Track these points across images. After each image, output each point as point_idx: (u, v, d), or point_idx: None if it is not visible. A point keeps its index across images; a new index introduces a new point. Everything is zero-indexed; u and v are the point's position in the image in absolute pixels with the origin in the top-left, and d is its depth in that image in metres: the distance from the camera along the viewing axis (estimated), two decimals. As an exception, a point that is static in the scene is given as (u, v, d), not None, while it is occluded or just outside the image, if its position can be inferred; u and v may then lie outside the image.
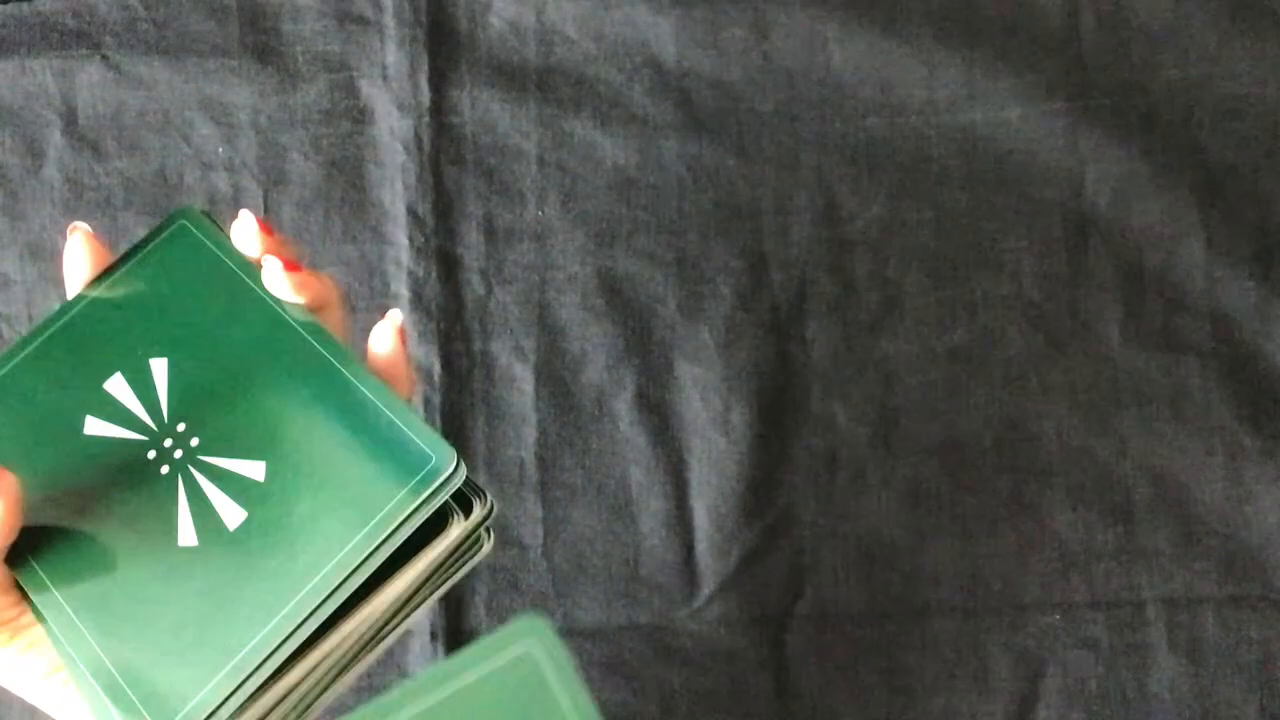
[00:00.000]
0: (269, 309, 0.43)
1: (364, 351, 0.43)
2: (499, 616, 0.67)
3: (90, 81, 0.69)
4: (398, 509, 0.39)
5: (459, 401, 0.68)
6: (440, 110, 0.69)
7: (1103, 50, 0.69)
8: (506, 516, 0.67)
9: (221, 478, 0.41)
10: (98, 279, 0.45)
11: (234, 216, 0.68)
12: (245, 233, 0.44)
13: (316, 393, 0.41)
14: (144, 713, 0.37)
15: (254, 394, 0.42)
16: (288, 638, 0.38)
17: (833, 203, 0.69)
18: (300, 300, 0.43)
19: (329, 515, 0.39)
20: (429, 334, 0.68)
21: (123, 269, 0.45)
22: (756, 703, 0.66)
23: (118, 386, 0.43)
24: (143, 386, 0.43)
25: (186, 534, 0.40)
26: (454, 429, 0.67)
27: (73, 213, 0.68)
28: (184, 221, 0.46)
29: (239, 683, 0.38)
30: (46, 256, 0.68)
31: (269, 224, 0.45)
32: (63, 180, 0.69)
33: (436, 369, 0.67)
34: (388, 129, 0.69)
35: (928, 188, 0.69)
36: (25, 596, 0.41)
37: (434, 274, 0.68)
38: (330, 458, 0.40)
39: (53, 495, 0.41)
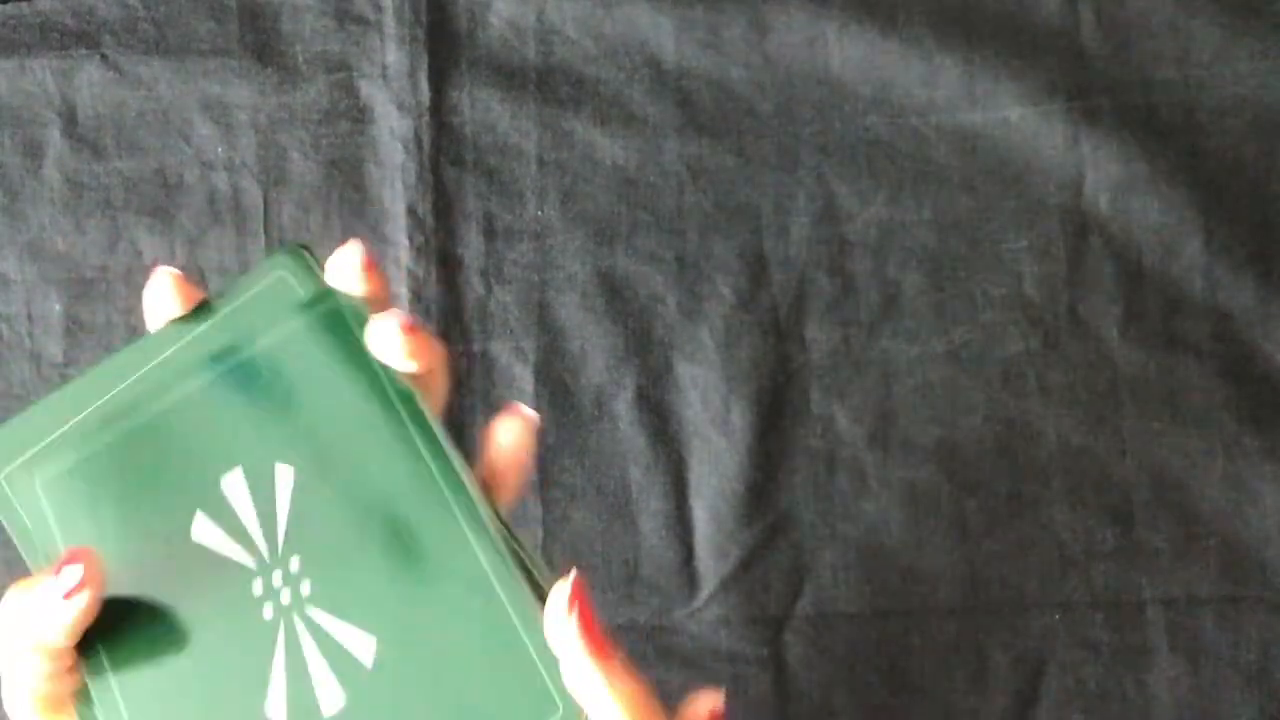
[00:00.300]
0: (395, 418, 0.37)
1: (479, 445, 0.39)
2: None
3: (90, 81, 0.69)
4: None
5: (458, 402, 0.68)
6: (440, 110, 0.69)
7: (1103, 50, 0.69)
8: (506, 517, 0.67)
9: (326, 643, 0.35)
10: (194, 314, 0.39)
11: (237, 218, 0.68)
12: (347, 267, 0.38)
13: (446, 571, 0.35)
14: None
15: (375, 546, 0.36)
16: None
17: (832, 203, 0.69)
18: (413, 369, 0.38)
19: None
20: (429, 334, 0.68)
21: (224, 323, 0.39)
22: (756, 703, 0.66)
23: (236, 487, 0.37)
24: (263, 495, 0.37)
25: (276, 706, 0.35)
26: (454, 429, 0.67)
27: (72, 213, 0.68)
28: (283, 273, 0.39)
29: None
30: (46, 256, 0.68)
31: (375, 261, 0.39)
32: (62, 180, 0.69)
33: (436, 369, 0.67)
34: (387, 129, 0.69)
35: (928, 188, 0.69)
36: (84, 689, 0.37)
37: (434, 274, 0.68)
38: (448, 661, 0.35)
39: (147, 594, 0.36)
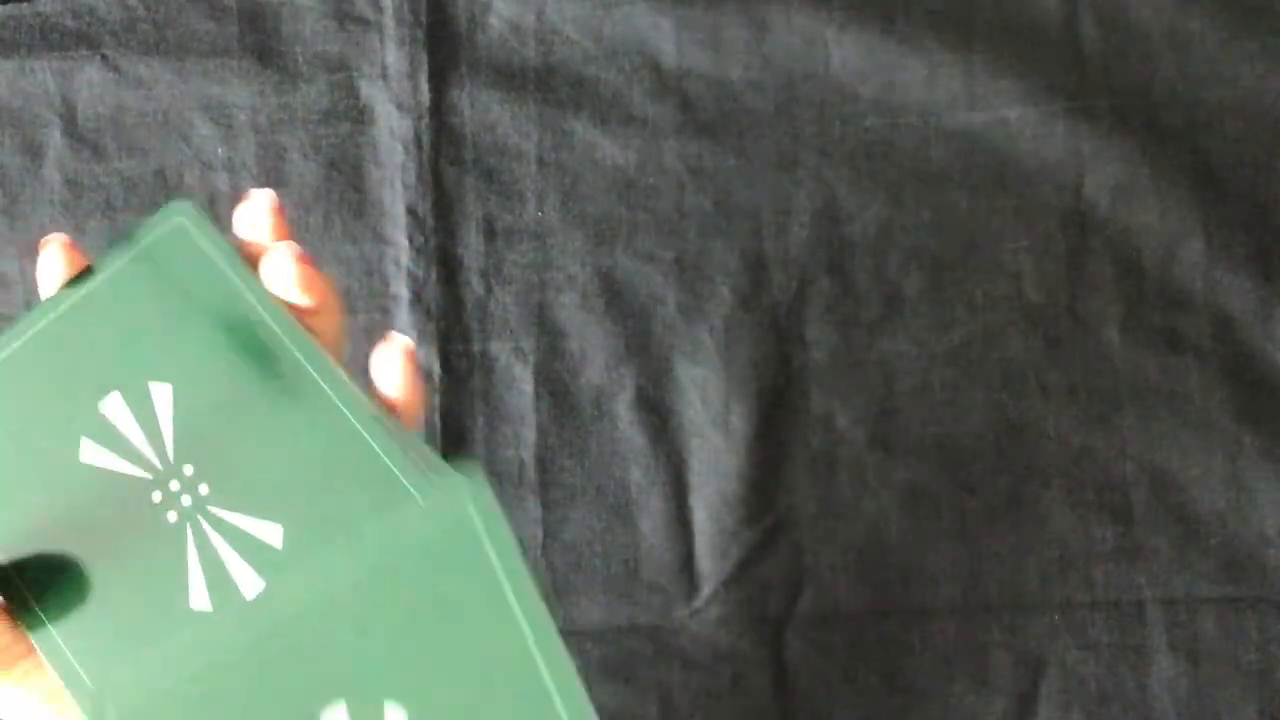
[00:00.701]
0: (275, 336, 0.38)
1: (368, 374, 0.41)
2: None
3: (90, 82, 0.69)
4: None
5: (458, 402, 0.68)
6: (440, 110, 0.69)
7: (1103, 50, 0.69)
8: (506, 517, 0.67)
9: (235, 537, 0.36)
10: (81, 276, 0.41)
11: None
12: (256, 215, 0.40)
13: (330, 451, 0.37)
14: None
15: (264, 444, 0.37)
16: None
17: (832, 203, 0.69)
18: (304, 301, 0.40)
19: None
20: (428, 334, 0.68)
21: (112, 269, 0.41)
22: (756, 703, 0.66)
23: (116, 409, 0.38)
24: (144, 413, 0.38)
25: (199, 597, 0.36)
26: (453, 430, 0.67)
27: (72, 213, 0.68)
28: (181, 219, 0.41)
29: None
30: (46, 257, 0.68)
31: (283, 209, 0.41)
32: (62, 180, 0.69)
33: (436, 369, 0.67)
34: (387, 129, 0.69)
35: (928, 188, 0.69)
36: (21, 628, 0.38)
37: (433, 274, 0.68)
38: (342, 519, 0.36)
39: (47, 524, 0.37)
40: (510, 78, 0.69)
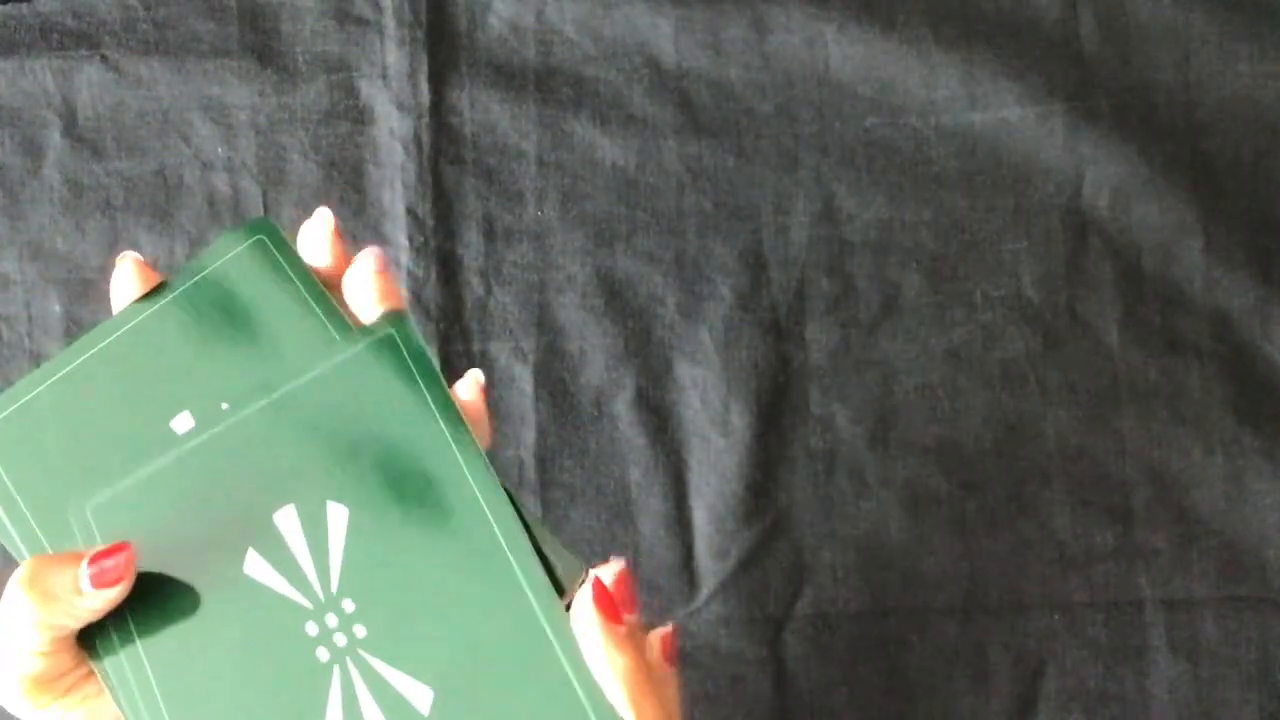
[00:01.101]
0: (448, 454, 0.37)
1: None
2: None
3: (90, 82, 0.69)
4: None
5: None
6: (440, 110, 0.69)
7: (1103, 50, 0.69)
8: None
9: (382, 692, 0.35)
10: (152, 293, 0.39)
11: (237, 218, 0.68)
12: (318, 238, 0.39)
13: (500, 620, 0.35)
14: None
15: (430, 592, 0.36)
16: None
17: (832, 203, 0.69)
18: (381, 309, 0.38)
19: None
20: (429, 335, 0.68)
21: (182, 286, 0.39)
22: (756, 703, 0.66)
23: (289, 524, 0.37)
24: (316, 536, 0.36)
25: None
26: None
27: (72, 213, 0.68)
28: (260, 236, 0.40)
29: None
30: (46, 257, 0.68)
31: (340, 231, 0.40)
32: (62, 180, 0.69)
33: (436, 369, 0.67)
34: (387, 129, 0.69)
35: (927, 188, 0.69)
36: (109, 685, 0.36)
37: (433, 274, 0.68)
38: (502, 713, 0.34)
39: (195, 628, 0.36)
40: (510, 78, 0.69)
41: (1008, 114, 0.69)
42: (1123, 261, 0.68)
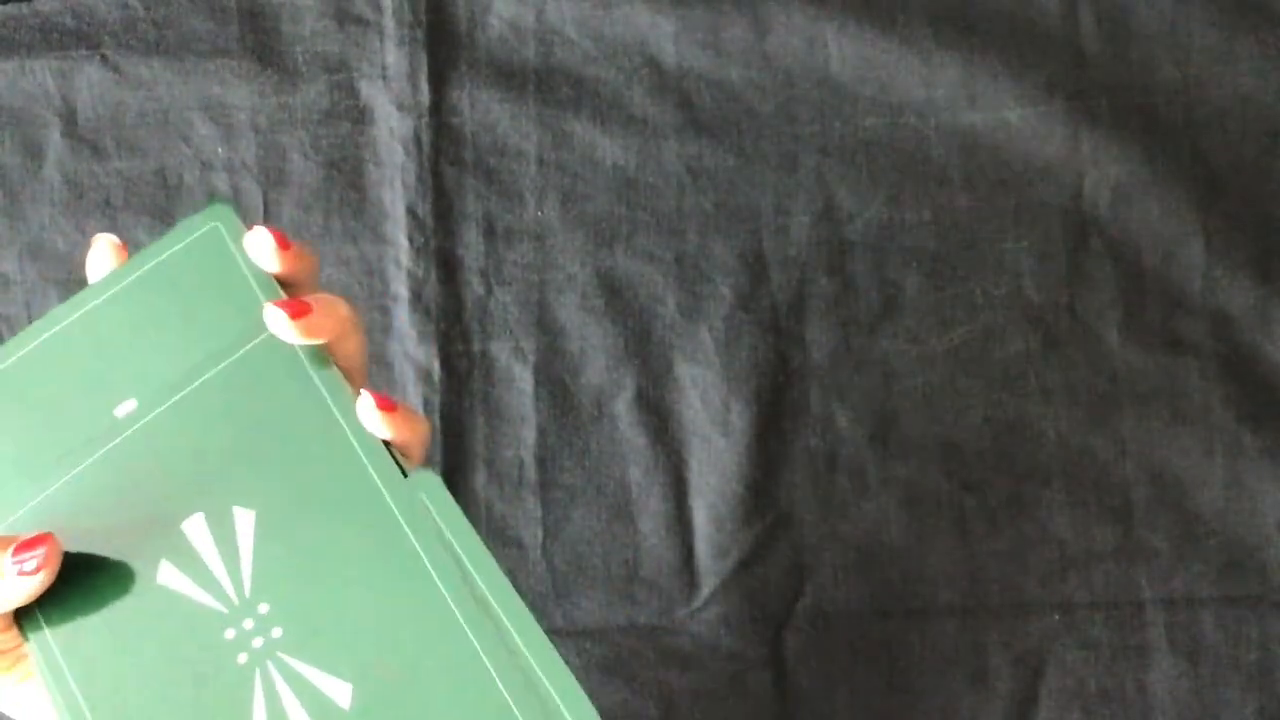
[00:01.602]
0: (352, 454, 0.37)
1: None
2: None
3: (90, 82, 0.69)
4: None
5: (458, 402, 0.68)
6: (440, 110, 0.69)
7: (1103, 50, 0.69)
8: (506, 517, 0.67)
9: (303, 690, 0.35)
10: (124, 270, 0.39)
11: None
12: (262, 250, 0.40)
13: (414, 614, 0.36)
14: None
15: (342, 590, 0.36)
16: None
17: (832, 203, 0.69)
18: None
19: None
20: (429, 334, 0.68)
21: (142, 269, 0.39)
22: (756, 703, 0.66)
23: (198, 532, 0.37)
24: (225, 540, 0.37)
25: None
26: (453, 430, 0.67)
27: (72, 213, 0.68)
28: (216, 225, 0.40)
29: None
30: (46, 257, 0.68)
31: (284, 234, 0.40)
32: (62, 181, 0.69)
33: (436, 369, 0.67)
34: (387, 129, 0.69)
35: (927, 188, 0.69)
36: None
37: (433, 274, 0.68)
38: (422, 705, 0.35)
39: (114, 637, 0.36)
40: (510, 78, 0.69)
41: (1008, 114, 0.69)
42: (1123, 261, 0.68)
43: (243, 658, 0.36)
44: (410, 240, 0.68)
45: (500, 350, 0.68)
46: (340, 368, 0.40)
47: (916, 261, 0.69)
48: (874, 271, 0.68)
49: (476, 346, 0.68)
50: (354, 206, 0.69)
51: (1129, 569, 0.67)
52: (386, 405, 0.38)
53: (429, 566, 0.36)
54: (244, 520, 0.37)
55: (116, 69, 0.69)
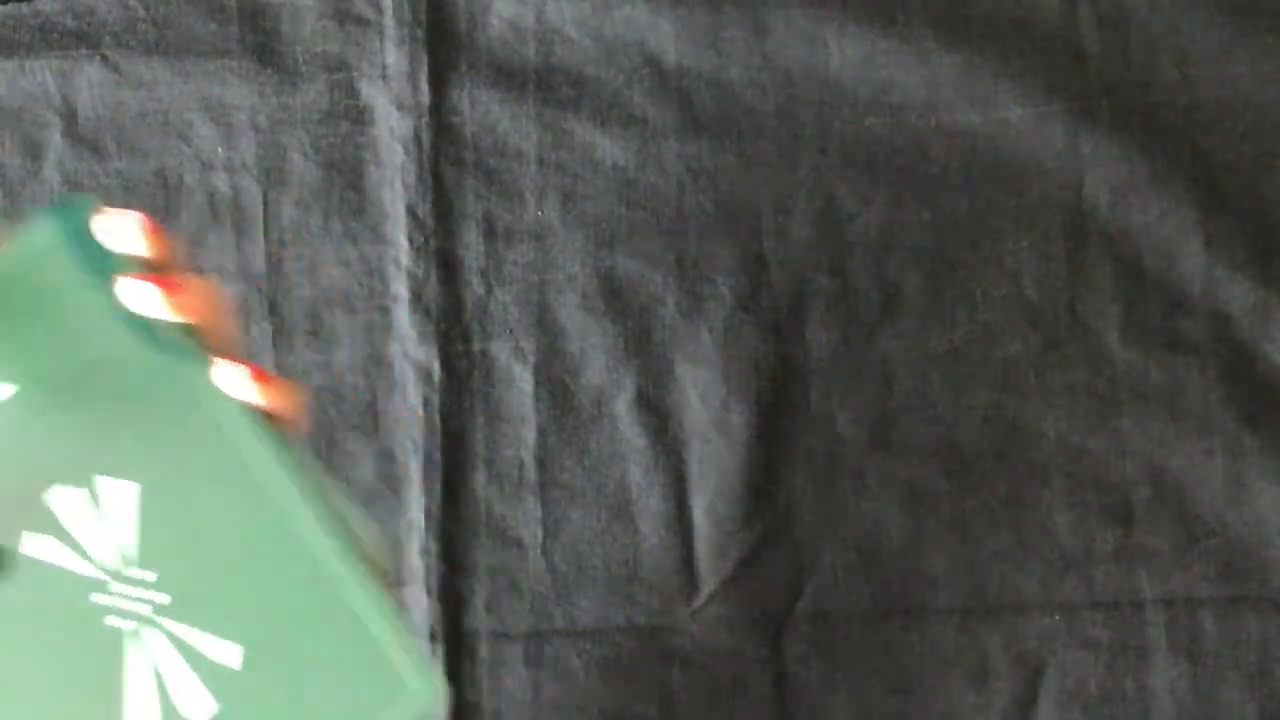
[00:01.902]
0: (221, 429, 0.37)
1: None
2: (499, 617, 0.67)
3: (90, 82, 0.69)
4: None
5: (458, 402, 0.68)
6: (440, 110, 0.69)
7: (1103, 50, 0.69)
8: (506, 517, 0.67)
9: (190, 654, 0.35)
10: None
11: (237, 218, 0.68)
12: (122, 236, 0.38)
13: (298, 574, 0.36)
14: None
15: (229, 555, 0.36)
16: None
17: (832, 203, 0.69)
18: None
19: None
20: (428, 335, 0.68)
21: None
22: (756, 703, 0.66)
23: (63, 502, 0.37)
24: (95, 509, 0.37)
25: (137, 713, 0.35)
26: (453, 430, 0.67)
27: (73, 213, 0.68)
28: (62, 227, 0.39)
29: None
30: (46, 257, 0.68)
31: (155, 225, 0.39)
32: (62, 181, 0.69)
33: (436, 370, 0.67)
34: (387, 129, 0.69)
35: (927, 188, 0.69)
36: None
37: (433, 274, 0.68)
38: (309, 661, 0.36)
39: None
40: (510, 78, 0.69)
41: (1008, 114, 0.69)
42: (1123, 261, 0.68)
43: (116, 621, 0.35)
44: (410, 240, 0.68)
45: (500, 350, 0.68)
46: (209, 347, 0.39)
47: (916, 261, 0.68)
48: (874, 271, 0.68)
49: (476, 347, 0.68)
50: (354, 206, 0.69)
51: (1129, 569, 0.67)
52: (259, 376, 0.38)
53: (308, 529, 0.37)
54: (122, 491, 0.37)
55: (116, 69, 0.69)
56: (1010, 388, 0.68)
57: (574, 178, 0.69)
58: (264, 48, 0.69)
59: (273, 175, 0.69)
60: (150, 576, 0.36)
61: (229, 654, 0.36)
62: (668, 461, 0.67)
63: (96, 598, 0.36)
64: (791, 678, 0.67)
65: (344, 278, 0.68)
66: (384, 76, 0.69)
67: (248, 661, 0.35)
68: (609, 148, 0.69)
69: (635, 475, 0.67)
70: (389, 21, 0.69)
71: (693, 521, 0.67)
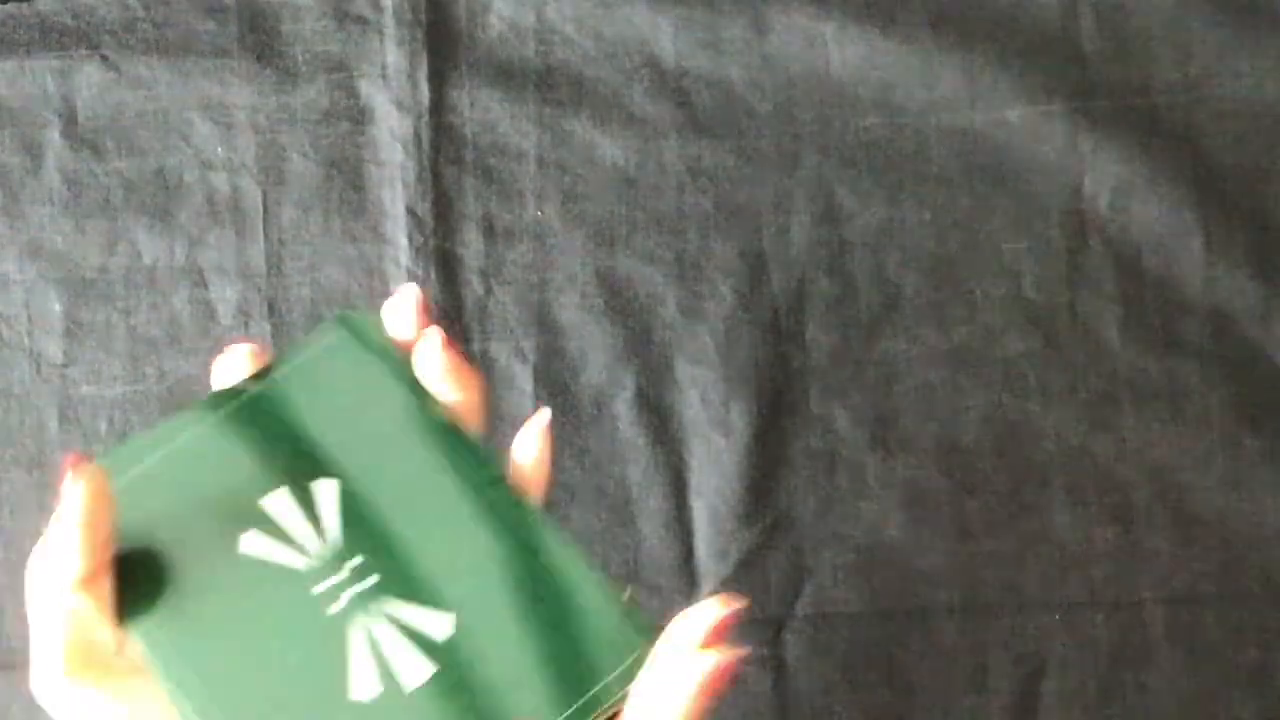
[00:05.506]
0: (443, 439, 0.40)
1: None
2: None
3: (90, 81, 0.69)
4: (605, 695, 0.36)
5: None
6: (440, 110, 0.69)
7: (1103, 50, 0.69)
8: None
9: (403, 627, 0.37)
10: (251, 379, 0.42)
11: (237, 218, 0.68)
12: (402, 313, 0.42)
13: (505, 549, 0.38)
14: None
15: (434, 534, 0.38)
16: None
17: (832, 203, 0.69)
18: (449, 393, 0.41)
19: (526, 691, 0.36)
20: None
21: (277, 373, 0.42)
22: (756, 703, 0.66)
23: (280, 505, 0.39)
24: (310, 508, 0.39)
25: (361, 686, 0.36)
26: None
27: (72, 213, 0.68)
28: (345, 331, 0.43)
29: None
30: (46, 256, 0.68)
31: (428, 305, 0.42)
32: (62, 180, 0.69)
33: (436, 369, 0.67)
34: (387, 129, 0.69)
35: (927, 188, 0.69)
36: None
37: (433, 274, 0.68)
38: (521, 621, 0.37)
39: (201, 615, 0.38)
40: (510, 78, 0.69)
41: (1008, 114, 0.69)
42: (1123, 261, 0.68)
43: (335, 608, 0.37)
44: (410, 240, 0.68)
45: (500, 350, 0.68)
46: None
47: (916, 261, 0.69)
48: (874, 271, 0.68)
49: (476, 346, 0.68)
50: (354, 206, 0.69)
51: (1129, 569, 0.67)
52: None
53: (514, 501, 0.39)
54: (327, 489, 0.39)
55: (116, 69, 0.69)
56: (1010, 388, 0.68)
57: (574, 178, 0.69)
58: (264, 48, 0.69)
59: (273, 175, 0.69)
60: (357, 562, 0.38)
61: (440, 623, 0.37)
62: (668, 461, 0.67)
63: (313, 587, 0.37)
64: (791, 678, 0.67)
65: (344, 278, 0.68)
66: (384, 76, 0.69)
67: (460, 628, 0.37)
68: (609, 148, 0.69)
69: (635, 475, 0.67)
70: (389, 21, 0.69)
71: (693, 521, 0.67)
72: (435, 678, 0.36)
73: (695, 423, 0.68)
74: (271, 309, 0.68)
